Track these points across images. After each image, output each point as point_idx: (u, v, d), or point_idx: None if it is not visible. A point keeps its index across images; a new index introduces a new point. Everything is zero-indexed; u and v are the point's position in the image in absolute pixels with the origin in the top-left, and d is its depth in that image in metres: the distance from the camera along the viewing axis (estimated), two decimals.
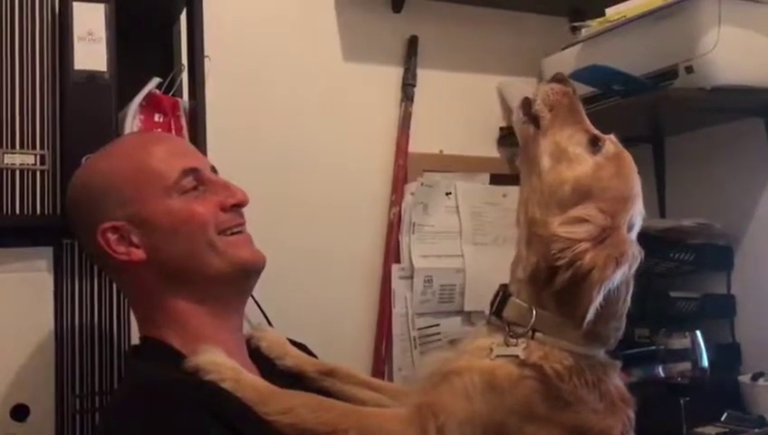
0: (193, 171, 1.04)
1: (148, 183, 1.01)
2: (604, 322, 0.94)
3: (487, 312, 1.02)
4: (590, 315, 0.89)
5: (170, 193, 1.01)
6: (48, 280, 1.23)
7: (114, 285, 1.27)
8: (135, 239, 1.00)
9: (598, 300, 0.89)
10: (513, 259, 1.01)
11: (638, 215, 1.00)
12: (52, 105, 1.23)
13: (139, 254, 1.00)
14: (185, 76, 1.37)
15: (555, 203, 0.95)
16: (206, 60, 1.36)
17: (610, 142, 1.01)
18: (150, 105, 1.28)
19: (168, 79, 1.36)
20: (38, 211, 1.21)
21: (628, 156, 1.02)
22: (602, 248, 0.91)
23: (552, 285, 0.92)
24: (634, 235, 0.99)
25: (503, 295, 0.99)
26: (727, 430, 1.51)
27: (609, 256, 0.90)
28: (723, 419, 1.56)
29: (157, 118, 1.29)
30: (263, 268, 1.06)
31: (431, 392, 0.91)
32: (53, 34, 1.23)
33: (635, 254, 0.94)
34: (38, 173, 1.21)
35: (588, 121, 1.03)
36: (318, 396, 0.95)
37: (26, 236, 1.23)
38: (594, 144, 0.99)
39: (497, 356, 0.92)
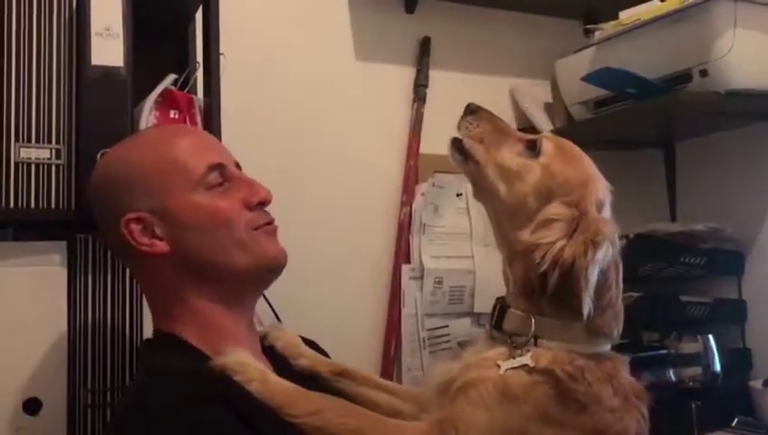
0: (219, 167, 1.03)
1: (175, 176, 1.01)
2: (602, 312, 0.95)
3: (488, 326, 1.02)
4: (586, 304, 0.90)
5: (196, 188, 1.01)
6: (62, 274, 1.23)
7: (127, 281, 1.27)
8: (158, 232, 1.00)
9: (589, 287, 0.90)
10: (504, 278, 1.02)
11: (603, 191, 1.00)
12: (68, 100, 1.23)
13: (161, 246, 1.00)
14: (200, 73, 1.38)
15: (525, 217, 0.96)
16: (221, 57, 1.37)
17: (546, 139, 1.02)
18: (166, 101, 1.29)
19: (184, 76, 1.36)
20: (53, 205, 1.21)
21: (568, 143, 1.04)
22: (577, 237, 0.92)
23: (545, 291, 0.93)
24: (606, 211, 0.99)
25: (500, 308, 0.99)
26: None
27: (585, 242, 0.91)
28: (734, 424, 1.55)
29: (172, 114, 1.29)
30: (285, 264, 1.06)
31: (449, 406, 0.91)
32: (71, 29, 1.23)
33: (610, 231, 0.95)
34: (53, 167, 1.22)
35: (516, 131, 1.05)
36: (345, 401, 0.96)
37: (40, 230, 1.23)
38: (532, 148, 1.00)
39: (507, 369, 0.92)
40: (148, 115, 1.26)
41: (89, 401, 1.24)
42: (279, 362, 1.08)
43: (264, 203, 1.06)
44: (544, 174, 0.97)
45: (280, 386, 0.92)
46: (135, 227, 1.00)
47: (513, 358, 0.93)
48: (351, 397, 1.05)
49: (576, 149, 1.03)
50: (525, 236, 0.94)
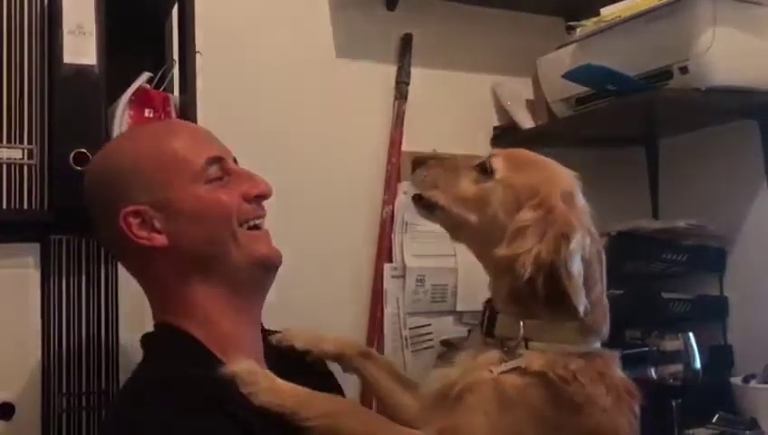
0: (218, 160, 1.03)
1: (175, 169, 1.00)
2: (592, 308, 0.94)
3: (477, 328, 1.03)
4: (580, 300, 0.90)
5: (196, 180, 1.00)
6: (35, 276, 1.22)
7: (102, 283, 1.26)
8: (157, 225, 0.99)
9: (574, 281, 0.89)
10: (492, 293, 1.01)
11: (567, 182, 1.00)
12: (40, 99, 1.22)
13: (160, 240, 0.98)
14: (176, 71, 1.36)
15: (501, 235, 0.96)
16: (197, 55, 1.35)
17: (494, 157, 1.02)
18: (140, 100, 1.27)
19: (159, 74, 1.34)
20: (25, 206, 1.20)
21: (517, 151, 1.05)
22: (548, 235, 0.92)
23: (537, 298, 0.92)
24: (578, 201, 0.99)
25: (490, 314, 0.99)
26: (719, 431, 1.51)
27: (555, 237, 0.91)
28: (714, 420, 1.55)
29: (147, 113, 1.27)
30: (279, 265, 1.05)
31: (450, 415, 0.91)
32: (42, 28, 1.22)
33: (581, 219, 0.95)
34: (26, 168, 1.20)
35: (466, 159, 1.05)
36: (356, 403, 0.96)
37: (13, 231, 1.22)
38: (485, 171, 1.01)
39: (500, 373, 0.92)
40: (122, 114, 1.24)
41: (63, 405, 1.22)
42: (292, 363, 1.06)
43: (262, 196, 1.06)
44: (504, 189, 0.98)
45: (290, 391, 0.92)
46: (133, 221, 0.99)
47: (505, 362, 0.93)
48: (368, 380, 1.08)
49: (527, 153, 1.05)
50: (502, 250, 0.94)
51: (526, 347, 0.93)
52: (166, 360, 0.96)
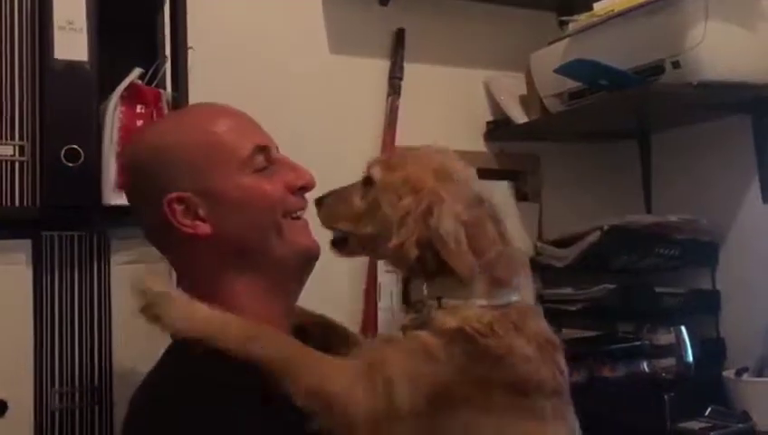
0: (264, 149, 1.01)
1: (221, 156, 0.98)
2: (493, 264, 0.95)
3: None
4: (463, 264, 0.92)
5: (243, 169, 0.98)
6: (27, 273, 1.21)
7: (95, 280, 1.25)
8: (201, 213, 0.97)
9: (449, 247, 0.92)
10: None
11: (438, 161, 1.02)
12: (31, 95, 1.21)
13: (204, 228, 0.97)
14: (168, 67, 1.36)
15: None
16: (189, 51, 1.35)
17: (370, 166, 1.05)
18: (132, 96, 1.26)
19: (152, 70, 1.34)
20: (17, 203, 1.19)
21: (394, 154, 1.11)
22: (418, 213, 0.95)
23: (433, 274, 0.95)
24: (457, 175, 1.01)
25: (405, 283, 1.03)
26: (711, 424, 1.51)
27: (423, 213, 0.94)
28: (707, 414, 1.55)
29: (139, 109, 1.26)
30: (319, 256, 1.05)
31: (379, 350, 0.93)
32: (33, 23, 1.21)
33: (448, 189, 0.96)
34: (17, 164, 1.20)
35: (355, 183, 1.08)
36: (277, 330, 0.95)
37: (5, 228, 1.21)
38: (369, 182, 1.04)
39: (416, 332, 0.94)
40: (113, 110, 1.24)
41: (57, 402, 1.22)
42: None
43: (306, 187, 1.04)
44: (384, 190, 1.01)
45: (206, 317, 0.90)
46: (178, 208, 0.97)
47: (422, 321, 0.95)
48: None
49: (402, 152, 1.09)
50: (391, 243, 0.96)
51: (440, 306, 0.95)
52: (194, 361, 0.92)
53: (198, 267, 0.99)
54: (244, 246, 0.98)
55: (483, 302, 0.94)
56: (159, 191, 0.97)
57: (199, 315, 0.90)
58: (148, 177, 1.01)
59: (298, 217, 1.03)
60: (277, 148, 1.07)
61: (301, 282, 1.05)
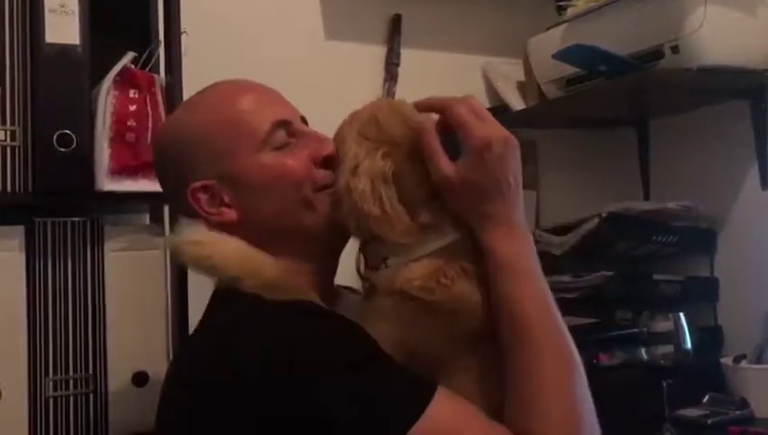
0: (284, 124, 0.96)
1: (239, 138, 0.94)
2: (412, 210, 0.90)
3: None
4: (390, 227, 0.87)
5: (262, 148, 0.94)
6: (19, 260, 1.20)
7: (89, 266, 1.24)
8: (226, 198, 0.94)
9: (376, 208, 0.87)
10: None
11: (361, 114, 0.98)
12: (22, 80, 1.19)
13: (230, 214, 0.94)
14: (162, 51, 1.34)
15: None
16: (183, 35, 1.33)
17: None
18: (125, 80, 1.24)
19: (145, 54, 1.32)
20: (9, 189, 1.18)
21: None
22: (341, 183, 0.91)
23: (373, 241, 0.90)
24: (364, 118, 0.97)
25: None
26: (709, 411, 1.51)
27: (344, 183, 0.89)
28: (705, 401, 1.56)
29: (132, 93, 1.25)
30: None
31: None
32: (23, 6, 1.19)
33: (349, 147, 0.92)
34: (8, 149, 1.18)
35: None
36: None
37: None
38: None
39: (366, 298, 0.92)
40: (106, 95, 1.22)
41: (51, 389, 1.21)
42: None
43: (332, 157, 0.97)
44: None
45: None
46: (202, 197, 0.94)
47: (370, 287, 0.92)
48: None
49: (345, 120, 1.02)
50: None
51: (386, 266, 0.90)
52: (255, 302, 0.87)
53: None
54: (273, 229, 0.93)
55: (425, 251, 0.88)
56: (183, 181, 0.95)
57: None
58: (171, 168, 0.98)
59: (329, 188, 0.95)
60: (303, 118, 1.02)
61: (336, 255, 1.00)
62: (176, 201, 1.00)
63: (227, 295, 0.90)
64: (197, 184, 0.94)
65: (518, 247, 0.87)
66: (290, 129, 0.97)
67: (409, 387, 0.79)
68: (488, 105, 1.90)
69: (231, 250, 0.91)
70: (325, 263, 0.99)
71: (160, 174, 1.03)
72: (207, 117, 0.97)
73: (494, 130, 0.88)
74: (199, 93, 1.03)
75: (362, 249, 0.94)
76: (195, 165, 0.95)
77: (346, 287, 1.06)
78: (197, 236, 0.92)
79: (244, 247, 0.92)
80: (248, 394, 0.78)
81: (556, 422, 0.79)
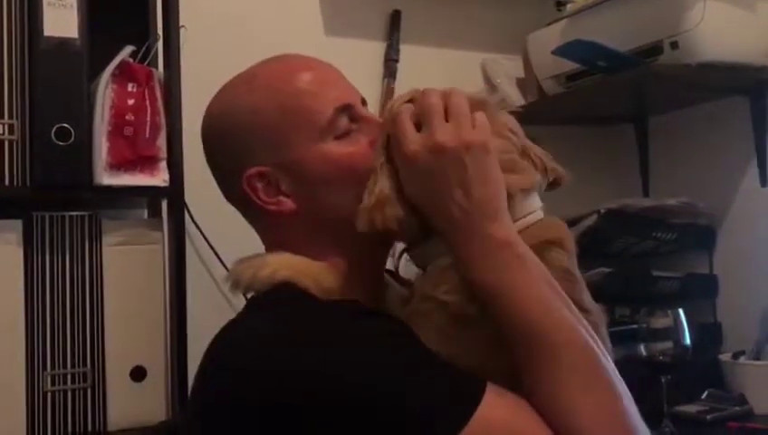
0: (347, 108, 0.89)
1: (300, 124, 0.88)
2: None
3: None
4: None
5: (324, 136, 0.88)
6: (17, 254, 1.20)
7: (87, 260, 1.24)
8: (284, 187, 0.88)
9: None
10: None
11: None
12: (20, 73, 1.19)
13: (288, 204, 0.89)
14: (160, 46, 1.34)
15: None
16: (181, 30, 1.33)
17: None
18: (123, 74, 1.24)
19: (144, 48, 1.32)
20: (7, 183, 1.18)
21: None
22: None
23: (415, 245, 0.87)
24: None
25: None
26: (708, 407, 1.51)
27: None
28: (704, 397, 1.56)
29: (130, 87, 1.25)
30: None
31: None
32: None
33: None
34: (6, 143, 1.18)
35: None
36: None
37: None
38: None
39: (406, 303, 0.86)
40: (104, 89, 1.22)
41: (49, 384, 1.20)
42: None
43: None
44: None
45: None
46: (258, 184, 0.88)
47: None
48: None
49: None
50: None
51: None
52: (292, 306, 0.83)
53: (285, 244, 0.89)
54: (333, 219, 0.88)
55: (444, 261, 0.82)
56: (238, 166, 0.89)
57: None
58: (224, 151, 0.92)
59: None
60: (364, 101, 0.95)
61: (390, 248, 0.94)
62: (228, 188, 0.94)
63: (274, 293, 0.85)
64: (253, 170, 0.89)
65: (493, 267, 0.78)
66: (353, 113, 0.90)
67: (457, 387, 0.74)
68: None
69: (282, 259, 0.87)
70: (379, 255, 0.94)
71: (211, 159, 0.95)
72: (265, 99, 0.90)
73: (456, 134, 0.80)
74: (255, 69, 0.96)
75: (408, 252, 0.89)
76: (251, 149, 0.89)
77: (393, 274, 0.99)
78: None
79: (290, 256, 0.88)
80: (297, 391, 0.74)
81: (589, 414, 0.74)
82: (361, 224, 0.82)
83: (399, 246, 0.91)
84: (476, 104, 0.84)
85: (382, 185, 0.82)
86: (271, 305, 0.84)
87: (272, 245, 0.92)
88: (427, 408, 0.73)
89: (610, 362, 0.78)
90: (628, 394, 0.78)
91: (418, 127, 0.82)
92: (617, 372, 0.78)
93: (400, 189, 0.82)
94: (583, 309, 0.81)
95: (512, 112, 0.94)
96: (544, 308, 0.77)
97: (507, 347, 0.77)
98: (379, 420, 0.72)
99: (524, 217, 0.85)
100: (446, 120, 0.81)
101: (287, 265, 0.86)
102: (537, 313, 0.77)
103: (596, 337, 0.78)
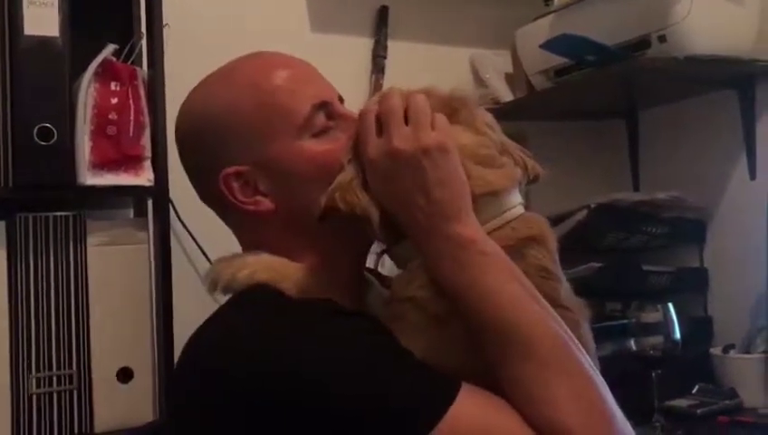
0: (324, 105, 0.88)
1: (276, 121, 0.86)
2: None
3: None
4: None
5: (301, 134, 0.86)
6: (0, 256, 1.18)
7: (71, 262, 1.23)
8: (261, 187, 0.87)
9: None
10: None
11: None
12: (1, 73, 1.18)
13: (266, 204, 0.87)
14: (144, 44, 1.32)
15: None
16: (165, 28, 1.32)
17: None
18: (106, 73, 1.23)
19: (128, 47, 1.31)
20: None
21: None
22: None
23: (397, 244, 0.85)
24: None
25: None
26: (699, 402, 1.51)
27: None
28: (694, 391, 1.56)
29: (113, 86, 1.23)
30: None
31: None
32: None
33: None
34: None
35: None
36: None
37: None
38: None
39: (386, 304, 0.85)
40: (87, 88, 1.21)
41: (34, 387, 1.19)
42: None
43: None
44: None
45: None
46: (235, 184, 0.87)
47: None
48: None
49: None
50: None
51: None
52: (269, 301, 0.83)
53: (262, 245, 0.88)
54: (312, 220, 0.85)
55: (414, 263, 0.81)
56: (214, 166, 0.87)
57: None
58: (200, 150, 0.90)
59: None
60: (341, 98, 0.93)
61: (371, 246, 0.92)
62: (203, 188, 0.92)
63: (249, 293, 0.85)
64: (230, 170, 0.87)
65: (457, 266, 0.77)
66: (330, 110, 0.89)
67: (431, 386, 0.74)
68: (476, 97, 1.89)
69: (260, 260, 0.86)
70: (359, 253, 0.93)
71: (186, 158, 0.93)
72: (241, 96, 0.88)
73: (415, 137, 0.79)
74: (232, 65, 0.95)
75: (388, 252, 0.88)
76: (227, 150, 0.87)
77: (373, 272, 0.99)
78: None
79: (268, 256, 0.87)
80: (266, 392, 0.73)
81: (566, 405, 0.73)
82: (321, 206, 0.80)
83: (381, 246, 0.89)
84: (455, 100, 0.84)
85: (346, 174, 0.81)
86: (246, 306, 0.83)
87: (249, 245, 0.91)
88: (399, 406, 0.72)
89: (585, 355, 0.77)
90: (604, 384, 0.77)
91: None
92: (592, 364, 0.77)
93: (367, 186, 0.81)
94: (561, 306, 0.80)
95: (492, 109, 0.93)
96: (512, 304, 0.76)
97: (477, 345, 0.76)
98: (349, 419, 0.72)
99: (504, 213, 0.84)
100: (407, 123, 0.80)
101: (266, 267, 0.85)
102: (505, 309, 0.76)
103: (570, 333, 0.77)
